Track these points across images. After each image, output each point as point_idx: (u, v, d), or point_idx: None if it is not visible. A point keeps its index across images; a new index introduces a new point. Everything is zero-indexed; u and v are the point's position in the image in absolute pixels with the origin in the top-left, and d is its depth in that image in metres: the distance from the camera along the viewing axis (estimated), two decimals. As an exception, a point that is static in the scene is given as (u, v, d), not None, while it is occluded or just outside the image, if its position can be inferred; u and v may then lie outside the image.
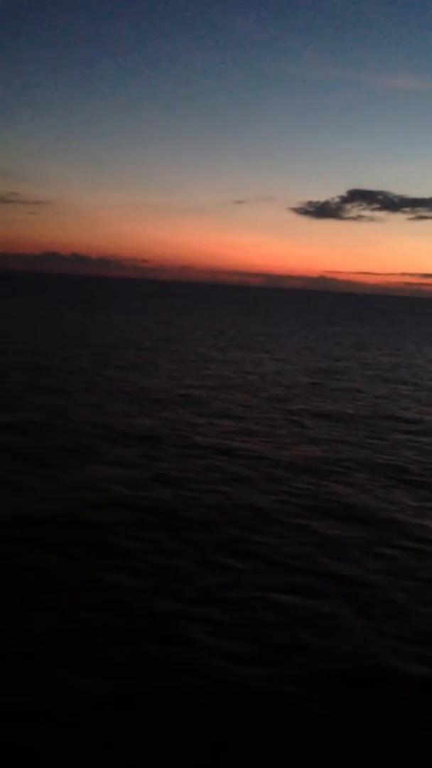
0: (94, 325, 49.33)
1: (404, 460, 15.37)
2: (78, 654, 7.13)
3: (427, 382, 29.33)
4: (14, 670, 6.77)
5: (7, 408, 17.98)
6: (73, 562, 9.21)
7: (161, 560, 9.42)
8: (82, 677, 6.73)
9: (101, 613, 7.97)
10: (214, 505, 11.66)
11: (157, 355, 32.85)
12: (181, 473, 13.32)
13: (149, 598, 8.37)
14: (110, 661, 7.06)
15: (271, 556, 9.72)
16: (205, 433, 16.73)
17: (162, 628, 7.76)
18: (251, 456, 14.90)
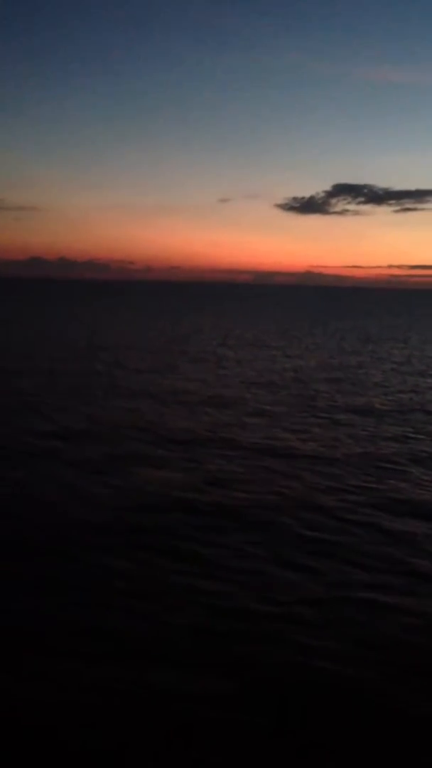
0: (97, 328, 49.20)
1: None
2: (170, 657, 7.07)
3: (443, 374, 29.33)
4: (107, 674, 6.69)
5: (44, 416, 17.85)
6: (148, 567, 9.12)
7: (236, 563, 9.34)
8: (177, 679, 6.66)
9: (187, 615, 7.91)
10: (274, 505, 11.59)
11: (170, 356, 32.74)
12: (232, 474, 13.25)
13: (233, 600, 8.31)
14: (204, 662, 7.01)
15: (347, 554, 9.66)
16: (243, 433, 16.66)
17: (252, 628, 7.71)
18: (296, 455, 14.84)
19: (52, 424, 16.88)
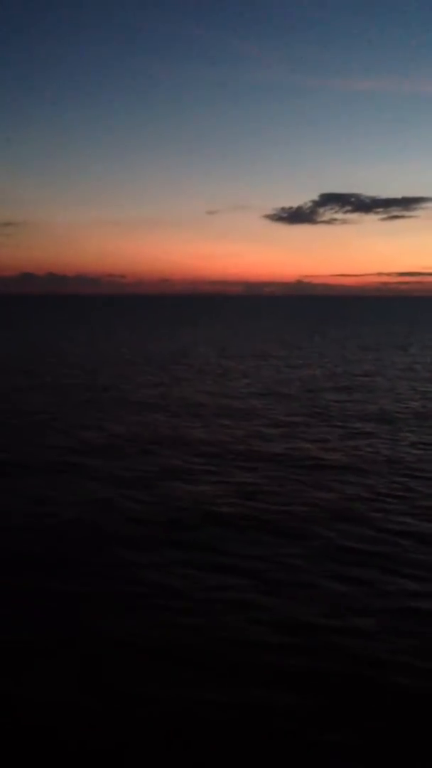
0: (95, 343, 49.16)
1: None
2: (233, 668, 6.96)
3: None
4: (152, 688, 6.56)
5: (61, 431, 17.74)
6: (189, 581, 9.01)
7: (281, 575, 9.24)
8: (238, 692, 6.53)
9: (237, 629, 7.82)
10: (308, 516, 11.50)
11: (174, 369, 32.64)
12: (260, 486, 13.16)
13: (289, 614, 8.20)
14: (271, 675, 6.90)
15: (390, 563, 9.58)
16: (264, 444, 16.57)
17: (309, 641, 7.60)
18: (320, 465, 14.76)
19: (69, 439, 16.76)
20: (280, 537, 10.63)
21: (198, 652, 7.35)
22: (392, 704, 6.52)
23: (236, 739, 5.99)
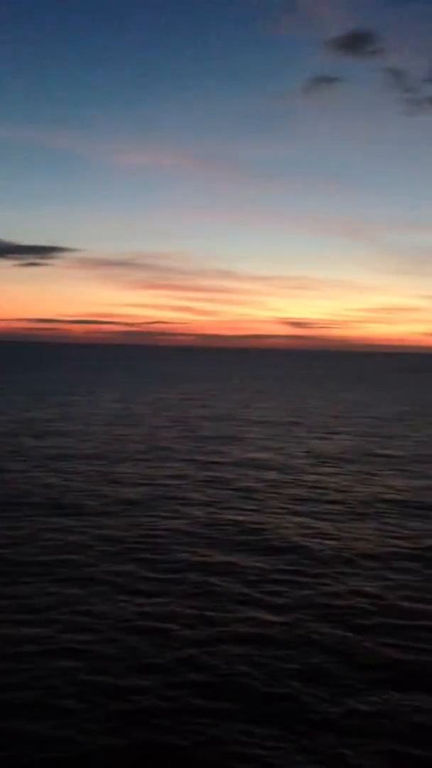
0: None
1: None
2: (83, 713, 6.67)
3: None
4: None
5: None
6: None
7: (87, 619, 9.02)
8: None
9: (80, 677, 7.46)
10: (70, 560, 11.28)
11: None
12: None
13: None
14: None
15: (188, 599, 9.98)
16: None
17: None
18: (59, 509, 14.48)
19: None
20: (55, 580, 10.40)
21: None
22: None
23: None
